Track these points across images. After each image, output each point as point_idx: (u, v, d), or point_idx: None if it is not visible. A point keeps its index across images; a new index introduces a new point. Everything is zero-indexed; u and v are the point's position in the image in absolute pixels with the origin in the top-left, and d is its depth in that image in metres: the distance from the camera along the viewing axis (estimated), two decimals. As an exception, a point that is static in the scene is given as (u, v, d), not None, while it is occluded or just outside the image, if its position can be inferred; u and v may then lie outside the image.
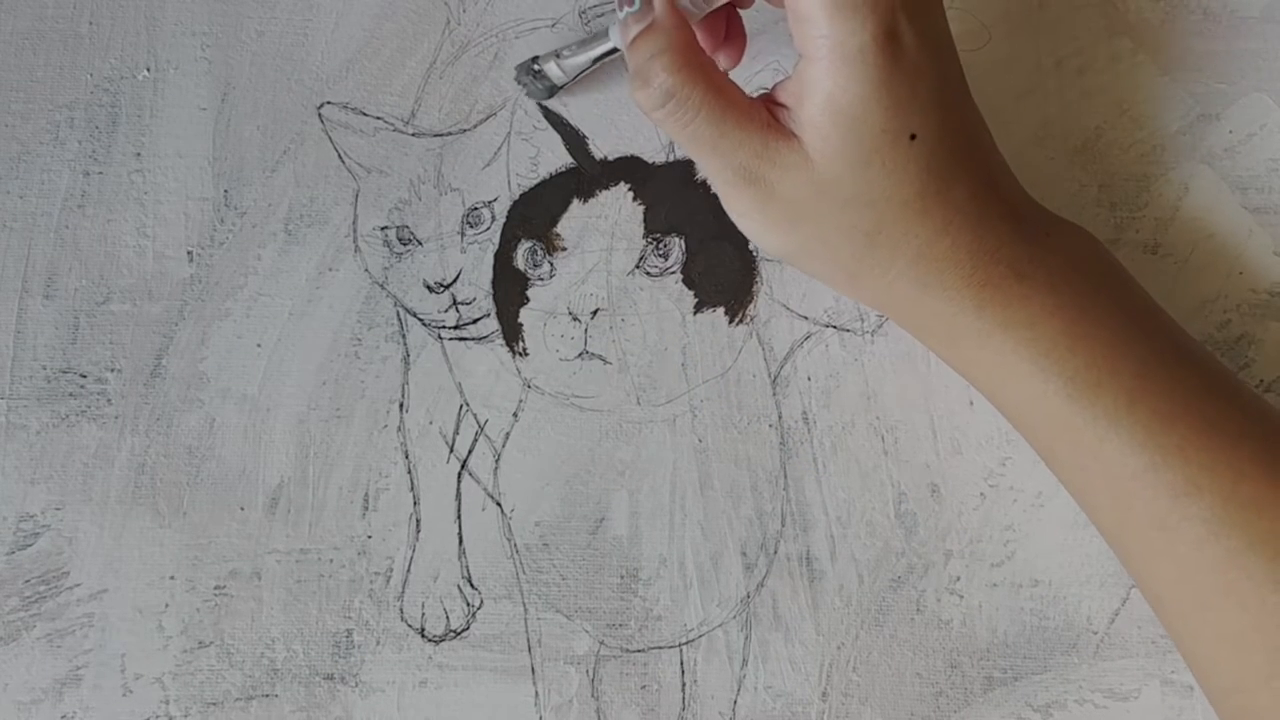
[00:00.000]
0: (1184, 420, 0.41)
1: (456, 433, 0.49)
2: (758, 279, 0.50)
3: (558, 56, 0.49)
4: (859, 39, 0.40)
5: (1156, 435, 0.41)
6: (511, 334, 0.49)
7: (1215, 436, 0.41)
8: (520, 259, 0.50)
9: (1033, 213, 0.45)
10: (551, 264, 0.50)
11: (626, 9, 0.43)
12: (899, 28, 0.40)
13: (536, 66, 0.49)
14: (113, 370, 0.49)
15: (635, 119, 0.50)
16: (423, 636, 0.48)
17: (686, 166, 0.50)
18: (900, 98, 0.41)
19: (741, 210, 0.43)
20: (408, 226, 0.50)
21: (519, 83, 0.50)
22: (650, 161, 0.50)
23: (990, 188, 0.43)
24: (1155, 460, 0.41)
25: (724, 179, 0.43)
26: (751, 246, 0.50)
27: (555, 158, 0.50)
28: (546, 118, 0.50)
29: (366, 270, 0.50)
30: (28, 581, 0.48)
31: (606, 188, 0.50)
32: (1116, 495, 0.42)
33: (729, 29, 0.47)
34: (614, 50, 0.48)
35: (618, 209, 0.50)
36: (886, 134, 0.41)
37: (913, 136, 0.41)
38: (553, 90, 0.50)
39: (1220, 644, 0.42)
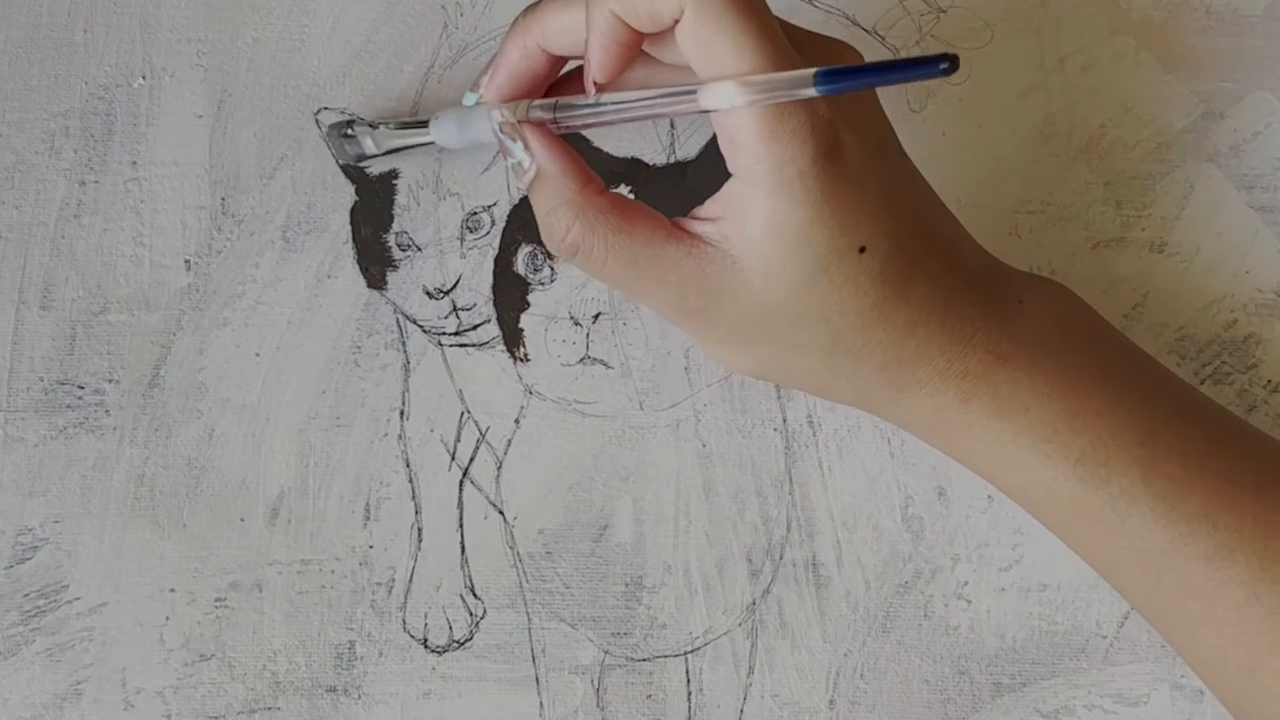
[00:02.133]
0: (1201, 483, 0.41)
1: (458, 440, 0.49)
2: (760, 281, 0.49)
3: (372, 127, 0.48)
4: (799, 164, 0.37)
5: (1177, 504, 0.40)
6: (512, 340, 0.49)
7: (1236, 494, 0.41)
8: (521, 264, 0.49)
9: (1000, 282, 0.43)
10: (552, 268, 0.49)
11: (510, 159, 0.41)
12: (840, 141, 0.37)
13: (349, 132, 0.48)
14: (111, 381, 0.49)
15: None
16: (426, 647, 0.48)
17: (687, 168, 0.50)
18: (844, 214, 0.38)
19: (692, 339, 0.42)
20: (406, 232, 0.50)
21: (326, 139, 0.49)
22: (651, 163, 0.50)
23: (953, 273, 0.41)
24: (1181, 531, 0.40)
25: (660, 314, 0.41)
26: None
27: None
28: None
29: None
30: (27, 595, 0.48)
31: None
32: (1146, 569, 0.41)
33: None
34: (430, 143, 0.46)
35: (618, 212, 0.50)
36: (834, 252, 0.38)
37: (861, 249, 0.39)
38: (360, 158, 0.49)
39: (1272, 702, 0.41)
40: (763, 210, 0.38)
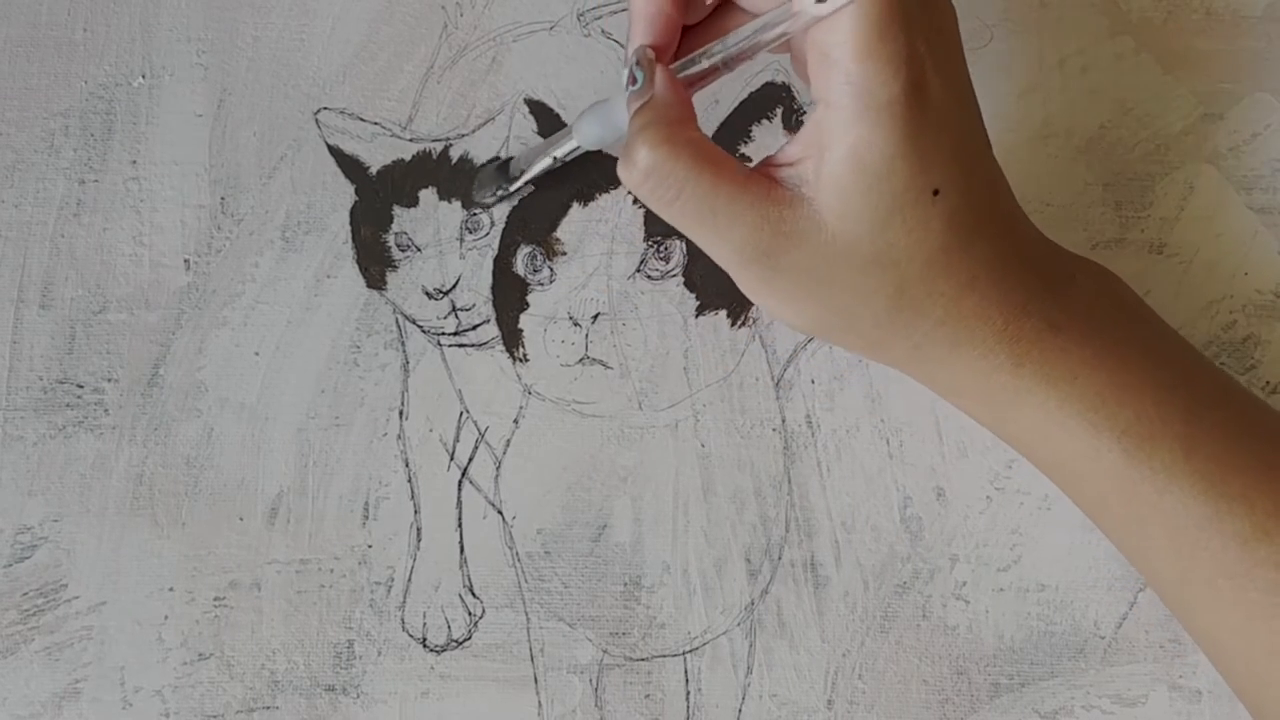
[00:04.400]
0: (1242, 464, 0.41)
1: (457, 440, 0.49)
2: (759, 282, 0.49)
3: (525, 162, 0.48)
4: (889, 90, 0.38)
5: (1217, 484, 0.41)
6: (511, 340, 0.49)
7: (1275, 478, 0.41)
8: (520, 264, 0.49)
9: (1055, 259, 0.44)
10: (551, 269, 0.49)
11: (631, 86, 0.41)
12: (927, 79, 0.38)
13: (507, 169, 0.49)
14: (110, 380, 0.49)
15: (635, 122, 0.50)
16: (424, 646, 0.48)
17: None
18: (925, 153, 0.39)
19: (750, 287, 0.42)
20: (406, 233, 0.50)
21: (477, 182, 0.49)
22: (650, 164, 0.50)
23: (1013, 240, 0.42)
24: (1220, 509, 0.40)
25: (723, 258, 0.41)
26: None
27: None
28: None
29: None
30: (26, 594, 0.48)
31: (606, 191, 0.50)
32: (1179, 546, 0.41)
33: None
34: (581, 150, 0.46)
35: (618, 212, 0.50)
36: (910, 191, 0.39)
37: (935, 192, 0.39)
38: (500, 196, 0.49)
39: None
40: (847, 139, 0.38)
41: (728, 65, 0.42)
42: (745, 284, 0.42)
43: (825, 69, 0.38)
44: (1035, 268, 0.42)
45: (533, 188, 0.49)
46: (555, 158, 0.47)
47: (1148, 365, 0.42)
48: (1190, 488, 0.41)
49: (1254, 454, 0.41)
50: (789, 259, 0.40)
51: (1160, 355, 0.43)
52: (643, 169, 0.40)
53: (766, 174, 0.41)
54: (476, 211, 0.50)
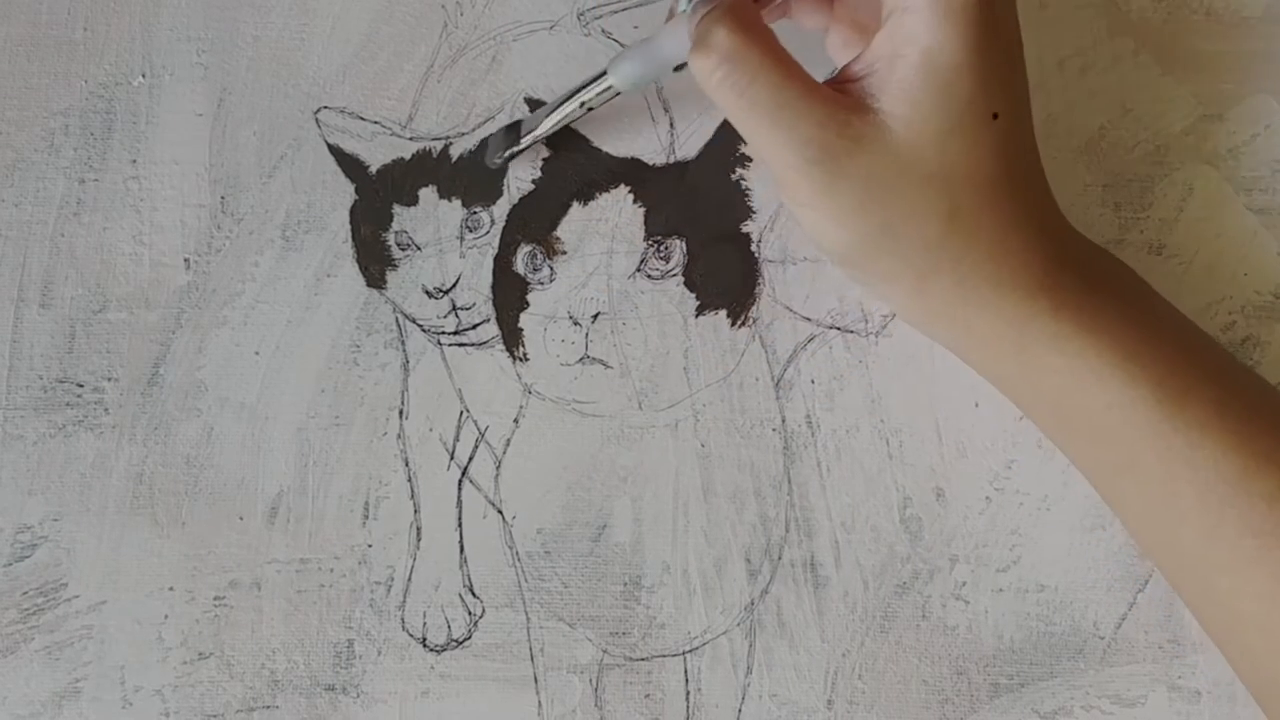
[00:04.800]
0: (1272, 426, 0.41)
1: (457, 439, 0.49)
2: (760, 281, 0.49)
3: (544, 112, 0.48)
4: None
5: (1248, 440, 0.41)
6: (512, 339, 0.49)
7: None
8: (520, 263, 0.49)
9: (1074, 231, 0.45)
10: (551, 268, 0.49)
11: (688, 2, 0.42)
12: None
13: (515, 127, 0.49)
14: (110, 379, 0.49)
15: (636, 121, 0.50)
16: (424, 646, 0.48)
17: (687, 168, 0.50)
18: (990, 69, 0.40)
19: (803, 198, 0.41)
20: (406, 231, 0.50)
21: (490, 142, 0.49)
22: (651, 164, 0.50)
23: (1047, 193, 0.43)
24: (1249, 466, 0.41)
25: (784, 160, 0.41)
26: (754, 248, 0.49)
27: (556, 160, 0.50)
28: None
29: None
30: (26, 593, 0.48)
31: (606, 190, 0.50)
32: (1208, 504, 0.41)
33: None
34: (613, 93, 0.46)
35: (618, 212, 0.50)
36: (973, 106, 0.40)
37: (995, 115, 0.40)
38: (512, 154, 0.49)
39: None
40: (920, 44, 0.39)
41: None
42: (800, 190, 0.42)
43: None
44: (1068, 232, 0.44)
45: (546, 160, 0.49)
46: (583, 103, 0.47)
47: (1180, 331, 0.43)
48: (1222, 443, 0.41)
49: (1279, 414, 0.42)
50: (852, 163, 0.40)
51: (1189, 325, 0.44)
52: (722, 52, 0.40)
53: (834, 85, 0.41)
54: (477, 210, 0.50)
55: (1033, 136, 0.43)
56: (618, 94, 0.46)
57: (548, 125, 0.48)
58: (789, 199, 0.42)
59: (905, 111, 0.40)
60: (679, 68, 0.45)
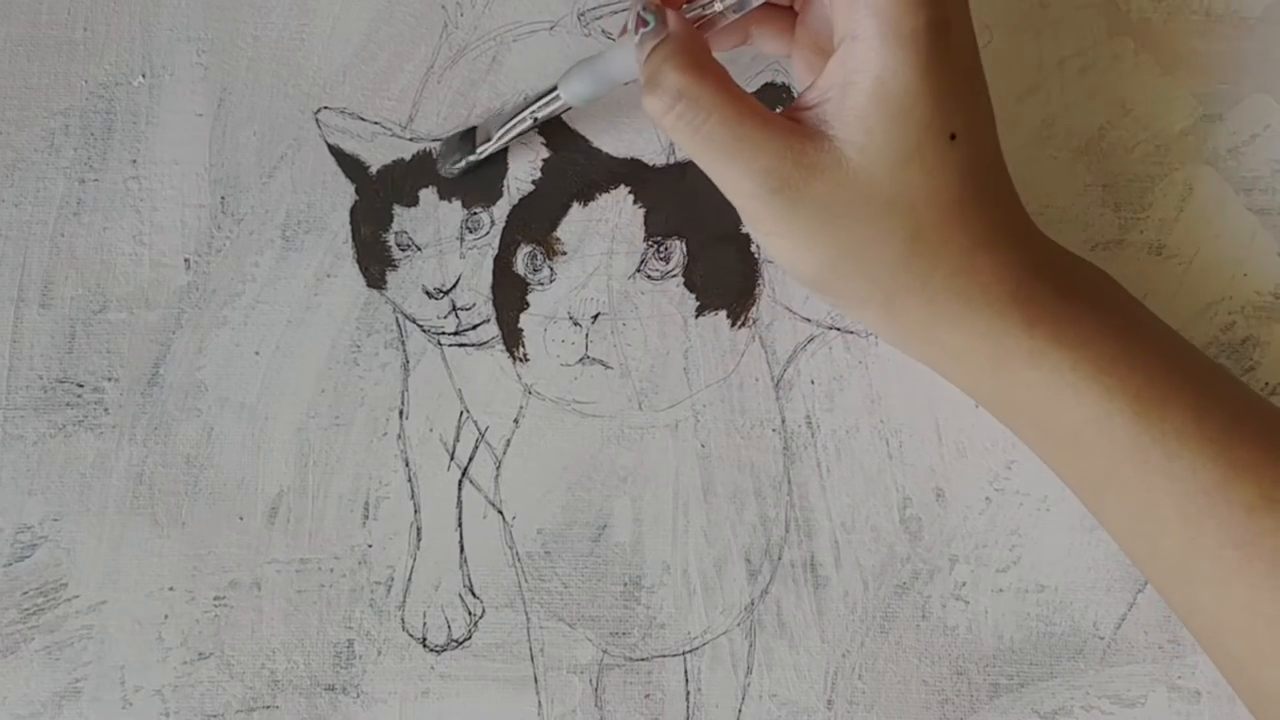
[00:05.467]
0: (1250, 433, 0.41)
1: (457, 440, 0.49)
2: (760, 281, 0.49)
3: (496, 124, 0.48)
4: (915, 21, 0.39)
5: (1226, 450, 0.41)
6: (512, 339, 0.49)
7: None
8: (520, 264, 0.49)
9: (1056, 246, 0.44)
10: (551, 268, 0.49)
11: (643, 29, 0.42)
12: (949, 17, 0.40)
13: (471, 136, 0.48)
14: (110, 379, 0.49)
15: (636, 121, 0.50)
16: (424, 646, 0.48)
17: (687, 169, 0.50)
18: (945, 92, 0.40)
19: (767, 227, 0.42)
20: (406, 232, 0.50)
21: (442, 152, 0.49)
22: (651, 164, 0.50)
23: (1016, 204, 0.43)
24: (1229, 476, 0.41)
25: (745, 191, 0.41)
26: (754, 248, 0.49)
27: (556, 161, 0.50)
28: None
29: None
30: (26, 593, 0.48)
31: (606, 191, 0.50)
32: (1187, 515, 0.41)
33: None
34: (564, 107, 0.47)
35: (618, 212, 0.50)
36: (930, 130, 0.40)
37: (953, 136, 0.40)
38: (469, 165, 0.49)
39: None
40: (871, 72, 0.40)
41: (733, 9, 0.43)
42: (764, 219, 0.42)
43: (851, 4, 0.40)
44: (1039, 241, 0.43)
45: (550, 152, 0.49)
46: (536, 118, 0.47)
47: (1156, 339, 0.43)
48: (1200, 453, 0.41)
49: (1260, 426, 0.42)
50: (811, 191, 0.41)
51: (1165, 332, 0.44)
52: (674, 92, 0.41)
53: (789, 115, 0.41)
54: (477, 211, 0.50)
55: (998, 152, 0.43)
56: (569, 108, 0.47)
57: (501, 138, 0.48)
58: (753, 229, 0.43)
59: (860, 139, 0.40)
60: (630, 81, 0.45)
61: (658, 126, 0.42)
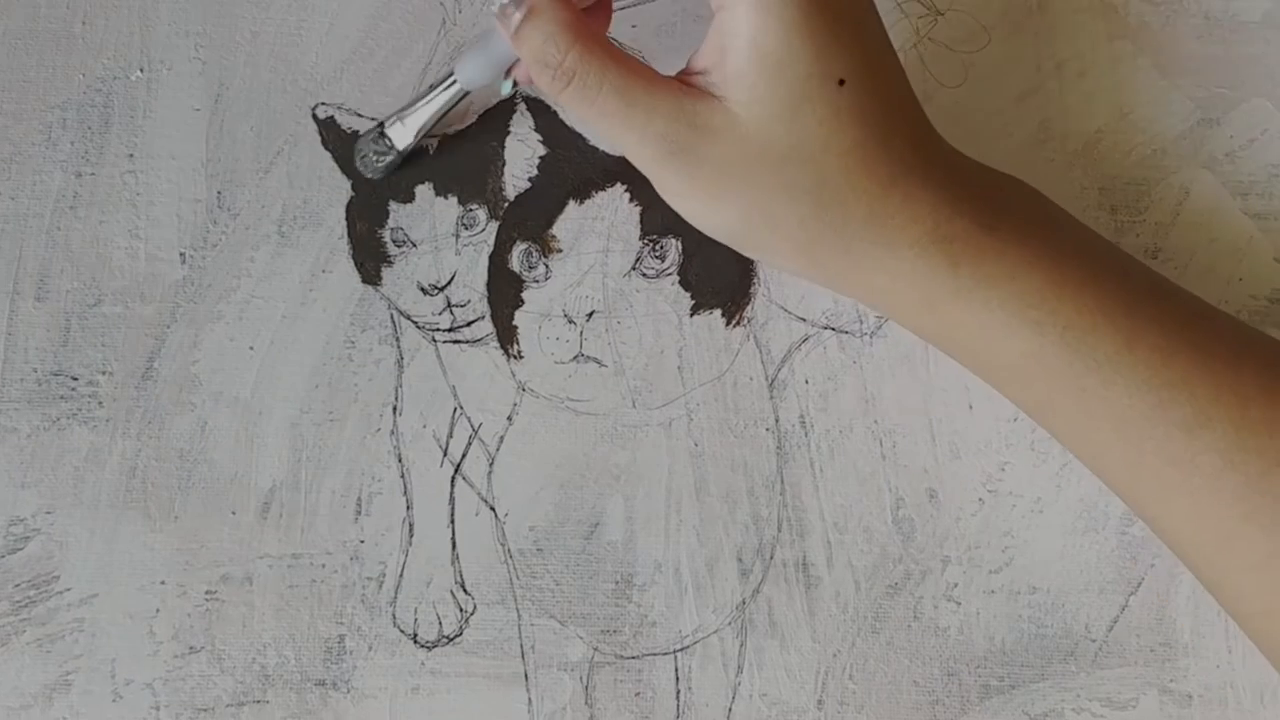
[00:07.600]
0: (1183, 353, 0.41)
1: (450, 436, 0.49)
2: (755, 281, 0.49)
3: (400, 118, 0.48)
4: None
5: (1159, 371, 0.41)
6: (506, 337, 0.49)
7: (1215, 365, 0.41)
8: (515, 261, 0.49)
9: (979, 170, 0.44)
10: (547, 266, 0.49)
11: (510, 15, 0.42)
12: None
13: (383, 132, 0.48)
14: (104, 373, 0.49)
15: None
16: (415, 642, 0.48)
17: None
18: (824, 40, 0.40)
19: (674, 189, 0.42)
20: (402, 228, 0.50)
21: (359, 156, 0.49)
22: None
23: (933, 145, 0.43)
24: (1163, 397, 0.41)
25: (645, 155, 0.42)
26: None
27: (553, 158, 0.50)
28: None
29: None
30: (17, 586, 0.48)
31: (603, 189, 0.50)
32: (1126, 438, 0.41)
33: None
34: (461, 93, 0.47)
35: (614, 210, 0.50)
36: (813, 78, 0.40)
37: (841, 81, 0.40)
38: (391, 165, 0.49)
39: (1246, 572, 0.41)
40: (745, 34, 0.40)
41: None
42: (669, 183, 0.42)
43: None
44: (959, 174, 0.43)
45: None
46: (440, 106, 0.47)
47: (1084, 264, 0.42)
48: (1134, 377, 0.41)
49: (1193, 343, 0.41)
50: (708, 152, 0.41)
51: (1093, 254, 0.43)
52: (564, 75, 0.41)
53: (680, 80, 0.42)
54: (473, 207, 0.50)
55: (903, 91, 0.43)
56: (467, 93, 0.47)
57: (413, 132, 0.48)
58: (663, 193, 0.43)
59: (745, 98, 0.40)
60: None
61: (554, 99, 0.42)
